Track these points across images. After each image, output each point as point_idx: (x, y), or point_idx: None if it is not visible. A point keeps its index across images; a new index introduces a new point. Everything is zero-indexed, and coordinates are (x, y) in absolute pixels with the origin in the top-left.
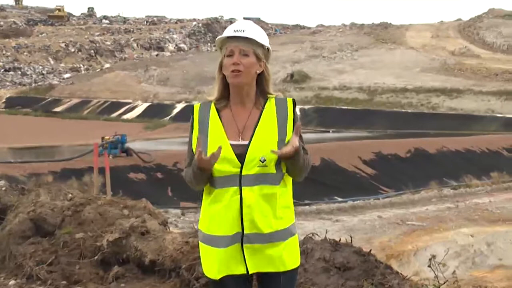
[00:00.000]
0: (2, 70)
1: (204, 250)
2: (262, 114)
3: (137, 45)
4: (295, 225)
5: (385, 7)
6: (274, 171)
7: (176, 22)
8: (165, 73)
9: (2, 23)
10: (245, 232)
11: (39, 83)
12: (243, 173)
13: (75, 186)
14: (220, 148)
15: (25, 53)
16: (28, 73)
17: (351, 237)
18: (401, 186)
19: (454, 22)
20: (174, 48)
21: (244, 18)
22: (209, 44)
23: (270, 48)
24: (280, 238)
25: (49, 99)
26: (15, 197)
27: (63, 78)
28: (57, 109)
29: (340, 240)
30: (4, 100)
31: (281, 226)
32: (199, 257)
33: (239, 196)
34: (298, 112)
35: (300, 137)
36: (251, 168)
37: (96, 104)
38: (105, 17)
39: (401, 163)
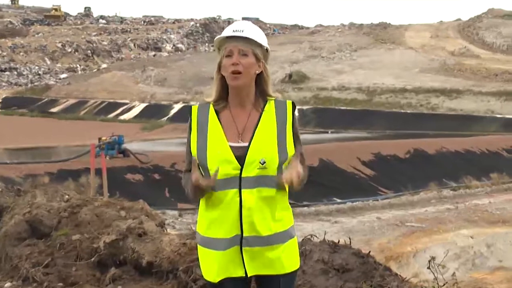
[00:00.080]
0: None
1: (203, 253)
2: (262, 116)
3: (134, 45)
4: (294, 227)
5: (384, 7)
6: (275, 174)
7: (173, 22)
8: (163, 73)
9: None
10: (244, 234)
11: (36, 84)
12: (243, 175)
13: (72, 187)
14: (218, 170)
15: (21, 53)
16: (24, 73)
17: (350, 238)
18: (400, 187)
19: (454, 22)
20: (172, 48)
21: (243, 18)
22: (207, 44)
23: (269, 48)
24: (280, 240)
25: (46, 99)
26: (11, 199)
27: (60, 79)
28: (54, 110)
29: (339, 241)
30: (0, 101)
31: (281, 228)
32: (196, 259)
33: (238, 198)
34: (296, 113)
35: (298, 140)
36: (251, 170)
37: (93, 104)
38: (102, 17)
39: (400, 164)
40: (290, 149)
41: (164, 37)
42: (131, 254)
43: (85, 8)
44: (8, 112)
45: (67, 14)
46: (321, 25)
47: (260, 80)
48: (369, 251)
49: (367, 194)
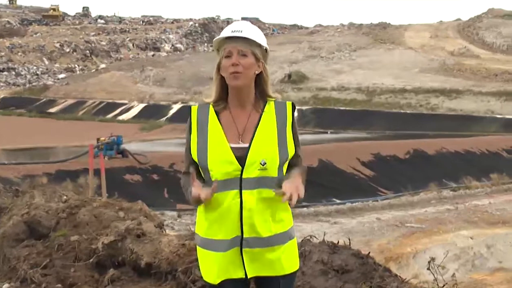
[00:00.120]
0: None
1: (202, 254)
2: (262, 117)
3: (133, 45)
4: (293, 228)
5: (383, 7)
6: (275, 175)
7: (172, 22)
8: (161, 73)
9: None
10: (244, 236)
11: (34, 84)
12: (243, 176)
13: (70, 188)
14: (216, 183)
15: (19, 53)
16: (22, 73)
17: (349, 239)
18: (400, 187)
19: (453, 22)
20: (171, 48)
21: (242, 18)
22: (205, 44)
23: (268, 48)
24: (280, 241)
25: (44, 99)
26: (9, 199)
27: (58, 79)
28: (52, 110)
29: (338, 242)
30: None
31: (281, 230)
32: (195, 260)
33: (239, 199)
34: (296, 114)
35: (297, 141)
36: (252, 171)
37: (91, 104)
38: (100, 17)
39: (400, 165)
40: (291, 150)
41: (163, 37)
42: (130, 255)
43: (83, 8)
44: (6, 113)
45: (65, 14)
46: (320, 25)
47: (259, 80)
48: (369, 252)
49: (367, 195)
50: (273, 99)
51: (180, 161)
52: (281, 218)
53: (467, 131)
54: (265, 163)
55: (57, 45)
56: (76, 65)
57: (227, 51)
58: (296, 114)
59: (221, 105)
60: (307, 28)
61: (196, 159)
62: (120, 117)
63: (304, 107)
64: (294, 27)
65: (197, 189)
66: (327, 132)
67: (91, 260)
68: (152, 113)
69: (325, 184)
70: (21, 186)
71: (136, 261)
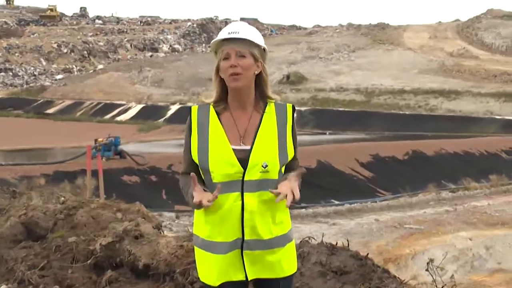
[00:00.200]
0: None
1: (202, 256)
2: (263, 119)
3: (131, 45)
4: (292, 230)
5: (382, 7)
6: (276, 177)
7: (170, 23)
8: (159, 74)
9: None
10: (245, 238)
11: (31, 85)
12: (245, 179)
13: (68, 189)
14: (220, 186)
15: (16, 54)
16: (19, 74)
17: (348, 240)
18: (398, 189)
19: (452, 23)
20: (169, 49)
21: (241, 19)
22: (204, 45)
23: (266, 48)
24: (280, 244)
25: (41, 100)
26: (6, 201)
27: (55, 79)
28: (49, 111)
29: (336, 243)
30: None
31: (281, 232)
32: (194, 261)
33: (240, 202)
34: (295, 116)
35: (296, 143)
36: (254, 174)
37: (89, 105)
38: (98, 17)
39: (398, 166)
40: (290, 152)
41: (161, 37)
42: (128, 257)
43: (81, 8)
44: (4, 113)
45: (62, 15)
46: (319, 26)
47: (259, 80)
48: (367, 253)
49: (365, 196)
50: (273, 100)
51: (178, 162)
52: (281, 220)
53: (466, 132)
54: (267, 166)
55: (55, 45)
56: (74, 66)
57: (225, 53)
58: (295, 116)
59: (221, 105)
60: (305, 28)
61: (196, 160)
62: (118, 118)
63: (302, 108)
64: (293, 27)
65: (199, 195)
66: (325, 133)
67: (88, 261)
68: (150, 114)
69: (323, 185)
70: (18, 187)
71: (134, 262)
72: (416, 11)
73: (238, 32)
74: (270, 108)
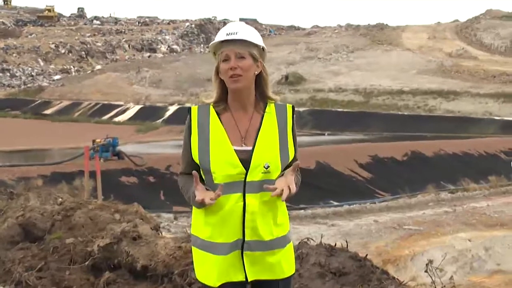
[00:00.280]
0: None
1: (201, 256)
2: (264, 119)
3: (129, 46)
4: (291, 232)
5: (381, 8)
6: (276, 178)
7: (168, 23)
8: (158, 74)
9: None
10: (246, 239)
11: (29, 85)
12: (247, 180)
13: (65, 190)
14: (222, 186)
15: (14, 54)
16: (17, 74)
17: (346, 241)
18: (397, 190)
19: (451, 23)
20: (167, 49)
21: (240, 19)
22: (202, 45)
23: (265, 47)
24: (280, 245)
25: (39, 101)
26: (4, 202)
27: (53, 80)
28: (47, 112)
29: (335, 245)
30: None
31: (281, 233)
32: (192, 263)
33: (242, 202)
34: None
35: (295, 144)
36: (256, 175)
37: (87, 106)
38: (96, 18)
39: (397, 167)
40: (291, 153)
41: (159, 38)
42: (126, 258)
43: (79, 8)
44: (1, 114)
45: (60, 15)
46: (317, 26)
47: (259, 80)
48: (366, 255)
49: (364, 197)
50: (273, 101)
51: (176, 163)
52: (281, 221)
53: (465, 133)
54: (269, 167)
55: (52, 46)
56: (72, 66)
57: (224, 54)
58: (295, 116)
59: (221, 106)
60: (304, 29)
61: (197, 161)
62: (116, 119)
63: (301, 109)
64: (291, 28)
65: (201, 194)
66: (324, 134)
67: (86, 263)
68: (148, 114)
69: (322, 186)
70: (16, 188)
71: (132, 263)
72: (415, 12)
73: (236, 33)
74: (270, 109)
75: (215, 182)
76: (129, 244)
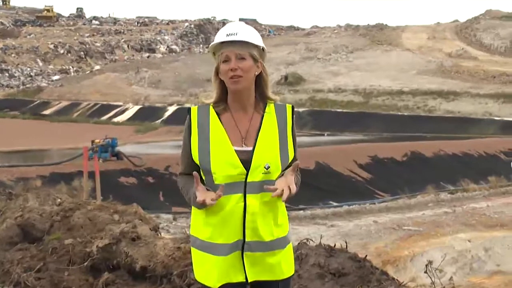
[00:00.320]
0: None
1: (201, 257)
2: (264, 120)
3: (128, 46)
4: (290, 232)
5: (380, 8)
6: (276, 179)
7: (167, 23)
8: (157, 75)
9: None
10: (246, 240)
11: (27, 85)
12: (248, 180)
13: (64, 190)
14: (223, 187)
15: (12, 55)
16: (16, 75)
17: (346, 242)
18: (397, 190)
19: (451, 24)
20: (166, 49)
21: (240, 20)
22: (201, 45)
23: (265, 47)
24: (280, 246)
25: (38, 101)
26: (2, 202)
27: (52, 80)
28: (46, 112)
29: (335, 245)
30: None
31: (282, 234)
32: (191, 263)
33: (243, 203)
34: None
35: (295, 144)
36: (256, 175)
37: (85, 106)
38: (95, 18)
39: (397, 167)
40: (291, 154)
41: (158, 38)
42: (125, 259)
43: (77, 8)
44: (0, 115)
45: (59, 15)
46: (317, 26)
47: (259, 80)
48: (366, 255)
49: (364, 198)
50: (273, 101)
51: (175, 163)
52: (282, 222)
53: (464, 133)
54: (269, 167)
55: (51, 46)
56: (71, 67)
57: (225, 55)
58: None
59: (221, 106)
60: (303, 29)
61: (197, 161)
62: (115, 119)
63: (300, 109)
64: (291, 28)
65: (202, 194)
66: (323, 134)
67: (85, 263)
68: (147, 115)
69: (322, 187)
70: (14, 189)
71: (131, 264)
72: (415, 12)
73: (236, 34)
74: (270, 109)
75: (216, 182)
76: (128, 244)
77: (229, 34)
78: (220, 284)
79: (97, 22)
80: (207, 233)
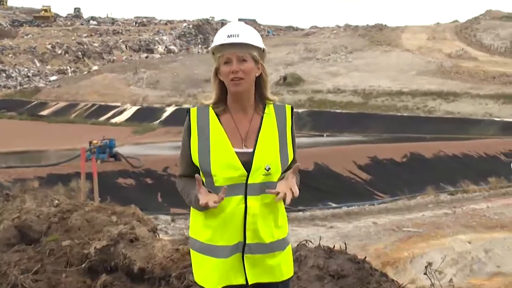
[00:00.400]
0: None
1: (201, 260)
2: (263, 121)
3: (126, 47)
4: (289, 233)
5: (380, 8)
6: (277, 180)
7: (166, 23)
8: (155, 75)
9: None
10: (247, 241)
11: (25, 86)
12: (249, 182)
13: (62, 192)
14: (225, 189)
15: (10, 55)
16: (13, 75)
17: (345, 244)
18: (396, 191)
19: (451, 24)
20: (164, 50)
21: (239, 20)
22: (199, 46)
23: (265, 48)
24: (281, 247)
25: (35, 102)
26: (0, 204)
27: (50, 81)
28: (43, 113)
29: (334, 247)
30: None
31: (282, 235)
32: (189, 265)
33: (244, 205)
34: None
35: (295, 146)
36: (257, 177)
37: (83, 107)
38: (92, 18)
39: (396, 168)
40: (290, 154)
41: (156, 38)
42: (123, 260)
43: (75, 9)
44: None
45: (56, 15)
46: (316, 27)
47: (259, 81)
48: (365, 257)
49: (363, 199)
50: (272, 102)
51: (173, 164)
52: (282, 223)
53: (464, 134)
54: (270, 168)
55: (49, 46)
56: (68, 67)
57: (226, 57)
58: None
59: (220, 107)
60: (302, 29)
61: (197, 163)
62: (113, 120)
63: (299, 110)
64: (290, 28)
65: (204, 197)
66: (323, 135)
67: (83, 265)
68: (145, 116)
69: (321, 188)
70: (11, 190)
71: (129, 266)
72: (414, 12)
73: (237, 35)
74: (269, 110)
75: (216, 184)
76: (126, 246)
77: (230, 35)
78: (220, 287)
79: (95, 22)
80: (207, 235)
